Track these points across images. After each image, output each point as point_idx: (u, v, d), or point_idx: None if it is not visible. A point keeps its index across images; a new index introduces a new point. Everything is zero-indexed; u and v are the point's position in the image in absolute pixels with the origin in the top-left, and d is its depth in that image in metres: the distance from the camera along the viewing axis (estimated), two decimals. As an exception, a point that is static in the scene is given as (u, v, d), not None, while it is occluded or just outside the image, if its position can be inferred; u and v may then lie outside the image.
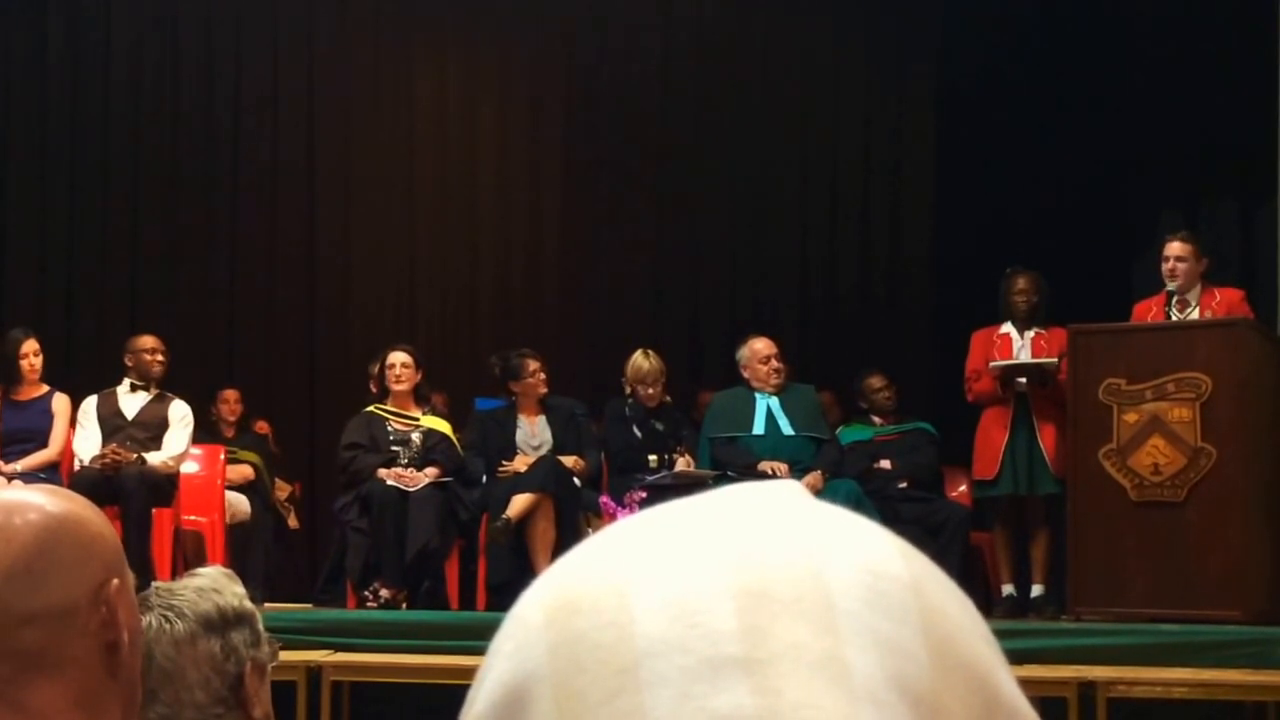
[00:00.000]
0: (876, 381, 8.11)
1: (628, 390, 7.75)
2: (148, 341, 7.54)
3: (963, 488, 7.96)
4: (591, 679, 0.58)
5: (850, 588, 0.59)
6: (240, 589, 2.02)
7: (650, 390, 7.65)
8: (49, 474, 6.99)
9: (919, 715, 0.58)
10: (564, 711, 0.58)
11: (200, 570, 2.08)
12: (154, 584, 2.02)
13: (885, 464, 7.80)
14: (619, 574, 0.61)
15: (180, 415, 7.39)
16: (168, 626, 1.92)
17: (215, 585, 1.99)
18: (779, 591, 0.59)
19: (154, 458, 7.17)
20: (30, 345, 7.35)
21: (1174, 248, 6.76)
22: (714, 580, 0.59)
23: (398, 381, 7.46)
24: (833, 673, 0.57)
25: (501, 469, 7.38)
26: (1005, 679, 0.62)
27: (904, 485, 7.65)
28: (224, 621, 1.95)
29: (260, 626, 2.02)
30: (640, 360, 7.72)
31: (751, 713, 0.56)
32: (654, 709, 0.56)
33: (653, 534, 0.63)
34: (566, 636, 0.59)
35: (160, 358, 7.47)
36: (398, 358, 7.50)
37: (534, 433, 7.62)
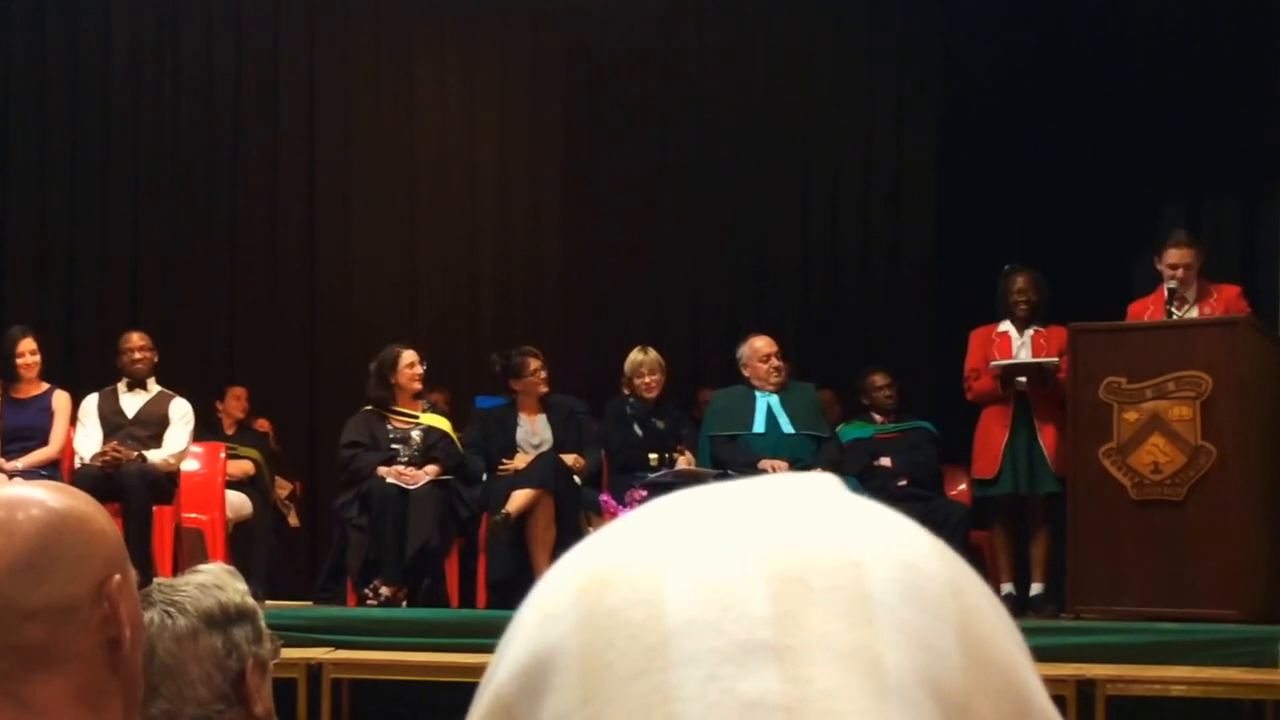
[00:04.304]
0: (879, 379, 8.11)
1: (626, 391, 7.75)
2: (132, 339, 7.53)
3: (962, 486, 7.96)
4: (619, 654, 0.57)
5: (888, 582, 0.59)
6: (242, 585, 2.02)
7: (648, 379, 7.65)
8: (50, 471, 6.99)
9: (948, 715, 0.57)
10: (589, 684, 0.57)
11: (202, 566, 2.08)
12: (156, 580, 2.02)
13: (885, 461, 7.80)
14: (653, 553, 0.60)
15: (181, 413, 7.39)
16: (170, 622, 1.92)
17: (217, 581, 2.00)
18: (814, 580, 0.58)
19: (154, 455, 7.17)
20: (26, 344, 7.34)
21: (1179, 255, 6.75)
22: (748, 564, 0.58)
23: (417, 380, 7.45)
24: (864, 665, 0.56)
25: (502, 467, 7.38)
26: (1037, 686, 0.62)
27: (904, 483, 7.65)
28: (226, 618, 1.96)
29: (262, 623, 2.02)
30: (637, 354, 7.74)
31: (779, 699, 0.55)
32: (680, 688, 0.56)
33: (688, 516, 0.62)
34: (596, 611, 0.59)
35: (138, 356, 7.44)
36: (413, 356, 7.49)
37: (534, 431, 7.62)
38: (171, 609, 1.93)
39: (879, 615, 0.58)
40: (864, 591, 0.58)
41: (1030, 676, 0.62)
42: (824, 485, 0.65)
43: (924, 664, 0.57)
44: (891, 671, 0.57)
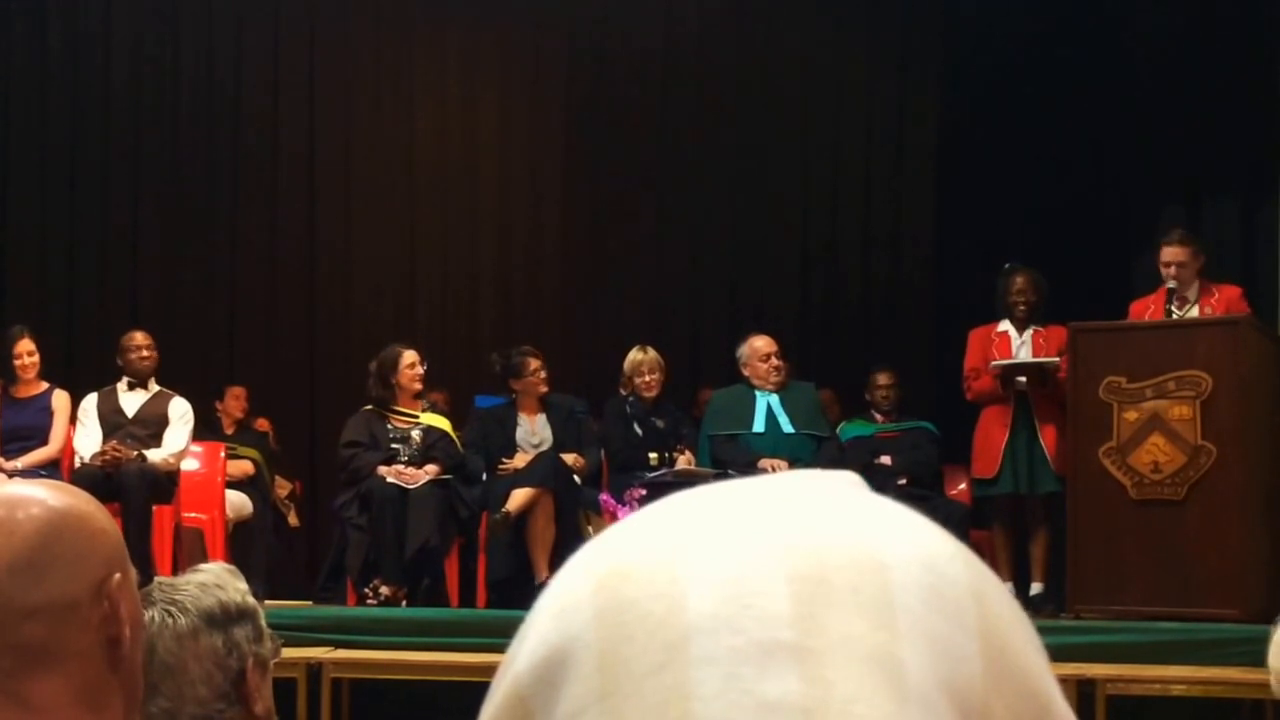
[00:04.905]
0: (881, 379, 8.11)
1: (625, 390, 7.76)
2: (136, 338, 7.53)
3: (962, 486, 7.96)
4: (639, 649, 0.57)
5: (910, 585, 0.58)
6: (243, 585, 2.02)
7: (648, 379, 7.66)
8: (49, 471, 6.98)
9: None
10: (607, 678, 0.57)
11: (203, 566, 2.08)
12: (157, 579, 2.02)
13: (885, 460, 7.80)
14: (674, 546, 0.59)
15: (180, 412, 7.39)
16: (170, 621, 1.92)
17: (218, 581, 2.00)
18: (836, 580, 0.58)
19: (154, 455, 7.17)
20: (24, 345, 7.33)
21: (1172, 253, 6.75)
22: (770, 562, 0.58)
23: (418, 380, 7.46)
24: (885, 670, 0.56)
25: (501, 466, 7.39)
26: (1055, 692, 0.61)
27: (903, 482, 7.65)
28: (226, 617, 1.96)
29: (263, 623, 2.02)
30: (636, 353, 7.76)
31: (799, 701, 0.54)
32: (700, 687, 0.55)
33: (710, 510, 0.61)
34: (615, 603, 0.58)
35: (145, 354, 7.45)
36: (414, 356, 7.49)
37: (534, 430, 7.62)
38: (172, 608, 1.93)
39: (900, 619, 0.57)
40: (886, 594, 0.57)
41: (1049, 682, 0.61)
42: (847, 484, 0.65)
43: (945, 669, 0.57)
44: (912, 676, 0.56)
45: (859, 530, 0.60)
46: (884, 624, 0.57)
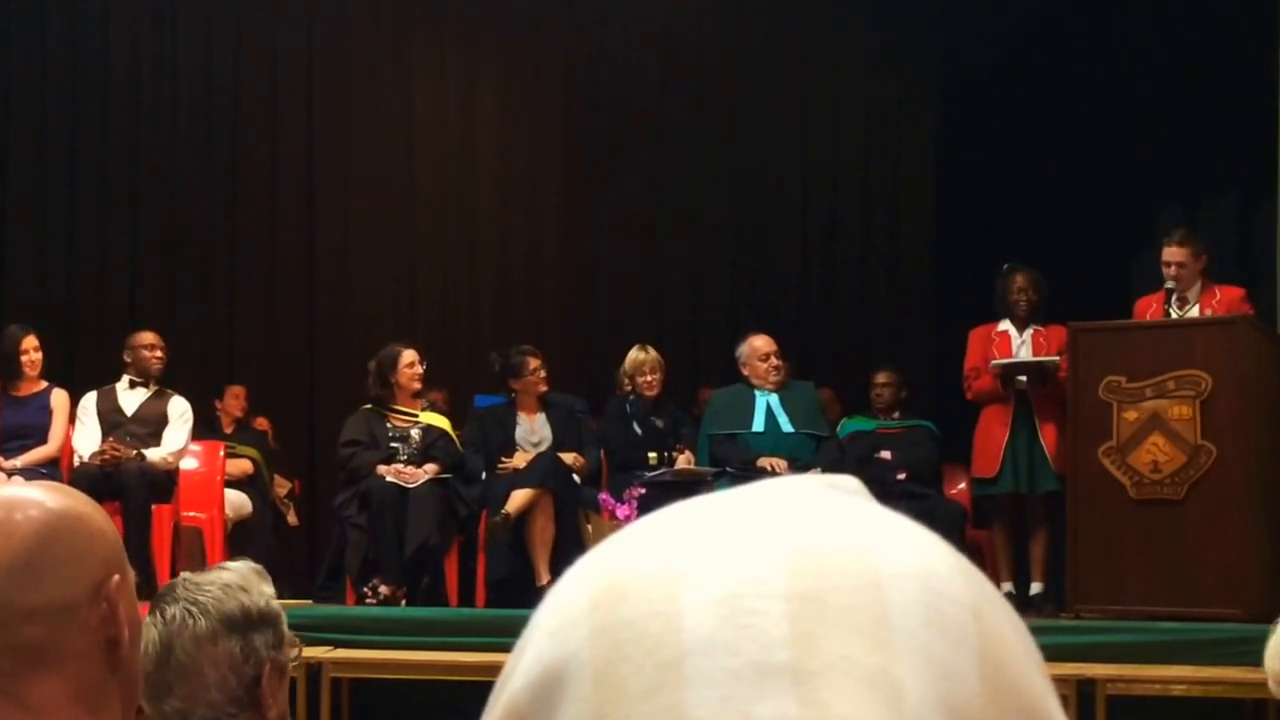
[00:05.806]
0: (881, 378, 8.12)
1: (627, 386, 7.77)
2: (147, 338, 7.54)
3: (962, 485, 7.96)
4: (634, 670, 0.56)
5: (908, 604, 0.58)
6: (269, 588, 2.01)
7: (648, 378, 7.67)
8: (49, 470, 6.99)
9: None
10: (602, 700, 0.56)
11: (230, 564, 2.06)
12: (183, 575, 2.01)
13: (885, 455, 7.80)
14: (672, 562, 0.59)
15: (180, 411, 7.39)
16: (190, 622, 1.91)
17: (243, 583, 1.98)
18: (834, 599, 0.57)
19: (153, 454, 7.17)
20: (30, 341, 7.35)
21: (1171, 252, 6.74)
22: (768, 580, 0.57)
23: (417, 379, 7.46)
24: (883, 691, 0.55)
25: (501, 465, 7.39)
26: (1055, 709, 0.61)
27: (902, 476, 7.64)
28: (247, 622, 1.95)
29: (284, 628, 2.01)
30: (637, 352, 7.76)
31: None
32: (695, 709, 0.55)
33: (709, 523, 0.61)
34: (611, 622, 0.58)
35: (159, 354, 7.47)
36: (414, 355, 7.50)
37: (533, 430, 7.62)
38: (194, 609, 1.92)
39: (898, 638, 0.57)
40: (883, 613, 0.57)
41: (1050, 702, 0.61)
42: (847, 489, 0.65)
43: (943, 690, 0.56)
44: (909, 697, 0.56)
45: (858, 544, 0.60)
46: (881, 644, 0.56)
